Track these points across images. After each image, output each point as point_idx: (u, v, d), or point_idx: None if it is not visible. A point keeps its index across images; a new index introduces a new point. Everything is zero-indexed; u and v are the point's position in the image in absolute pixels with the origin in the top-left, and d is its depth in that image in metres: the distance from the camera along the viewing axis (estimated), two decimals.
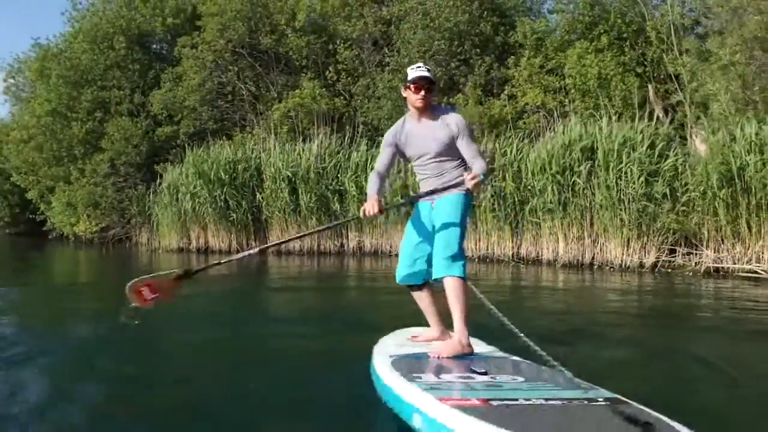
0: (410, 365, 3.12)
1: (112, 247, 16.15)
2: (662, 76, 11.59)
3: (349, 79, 14.31)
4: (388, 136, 3.79)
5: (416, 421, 2.45)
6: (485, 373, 2.95)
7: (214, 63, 15.51)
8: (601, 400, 2.51)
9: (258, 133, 14.38)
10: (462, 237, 3.64)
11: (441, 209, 3.70)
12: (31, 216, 20.48)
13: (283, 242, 3.77)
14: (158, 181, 15.06)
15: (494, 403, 2.44)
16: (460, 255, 3.55)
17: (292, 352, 4.23)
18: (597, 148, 9.02)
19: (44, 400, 3.31)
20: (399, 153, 3.78)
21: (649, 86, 11.72)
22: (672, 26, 11.16)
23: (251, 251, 3.61)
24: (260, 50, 15.55)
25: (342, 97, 14.39)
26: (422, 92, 3.61)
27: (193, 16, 16.81)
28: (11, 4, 41.17)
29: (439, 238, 3.61)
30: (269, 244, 3.46)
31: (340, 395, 3.28)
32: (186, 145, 14.80)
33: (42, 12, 39.42)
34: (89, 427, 2.97)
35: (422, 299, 3.81)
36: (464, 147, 3.62)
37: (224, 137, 14.71)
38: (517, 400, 2.50)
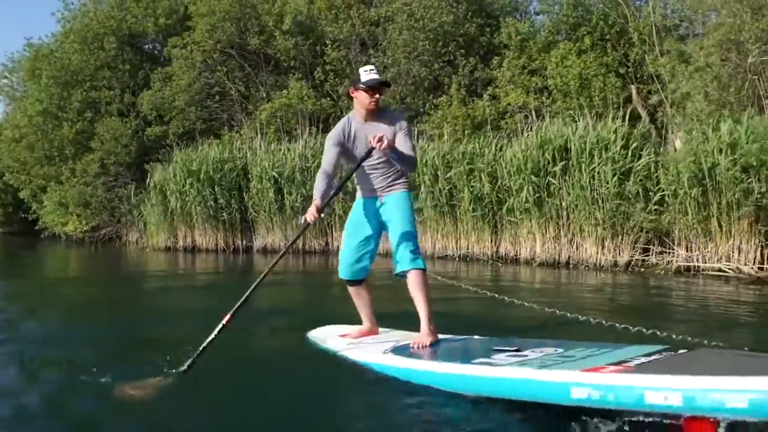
0: (444, 353, 3.38)
1: (102, 246, 16.27)
2: (645, 77, 11.70)
3: (336, 79, 14.41)
4: (334, 137, 3.80)
5: (579, 393, 2.46)
6: (519, 350, 3.17)
7: (204, 63, 15.63)
8: (670, 350, 2.81)
9: (245, 132, 14.49)
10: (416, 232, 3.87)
11: (393, 206, 3.85)
12: (23, 215, 20.60)
13: (248, 295, 3.75)
14: (148, 180, 15.17)
15: (630, 364, 2.57)
16: (419, 249, 3.78)
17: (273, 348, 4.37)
18: (570, 148, 9.11)
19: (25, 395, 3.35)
20: (344, 154, 3.82)
21: (632, 87, 11.84)
22: (654, 27, 11.28)
23: (223, 322, 3.53)
24: (249, 51, 15.67)
25: (329, 98, 14.49)
26: (376, 95, 3.71)
27: (185, 16, 16.90)
28: (6, 3, 41.31)
29: (400, 234, 3.76)
30: (237, 306, 3.41)
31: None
32: (175, 145, 14.93)
33: (38, 10, 39.59)
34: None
35: (361, 295, 3.95)
36: (401, 142, 3.73)
37: (212, 137, 14.82)
38: (628, 361, 2.64)
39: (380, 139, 3.47)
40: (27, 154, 18.07)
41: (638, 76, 11.81)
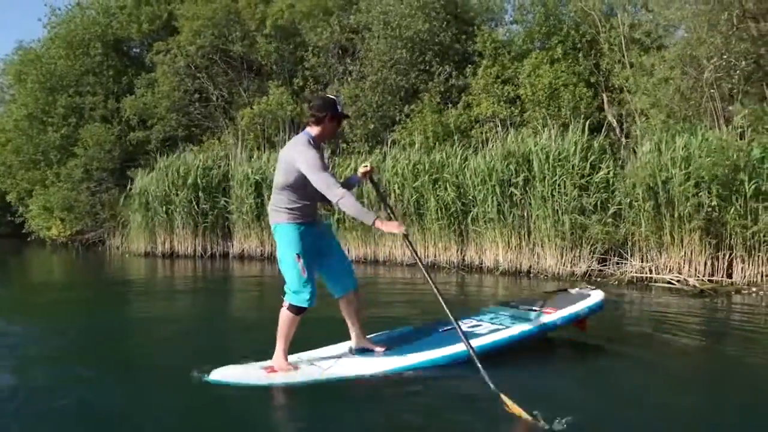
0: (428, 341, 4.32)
1: (86, 251, 16.44)
2: (616, 86, 11.86)
3: (315, 86, 14.57)
4: (317, 153, 3.81)
5: (585, 311, 4.56)
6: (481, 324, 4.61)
7: (187, 68, 15.78)
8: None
9: (225, 139, 14.65)
10: None
11: (330, 233, 4.26)
12: (11, 218, 20.73)
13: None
14: (129, 186, 15.30)
15: (547, 306, 4.66)
16: None
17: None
18: (533, 160, 9.27)
19: None
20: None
21: (604, 96, 12.01)
22: (623, 39, 11.45)
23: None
24: (232, 56, 15.84)
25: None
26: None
27: (169, 22, 17.06)
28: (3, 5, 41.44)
29: (343, 258, 4.18)
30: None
31: None
32: (157, 150, 15.11)
33: (30, 13, 39.68)
34: None
35: (296, 324, 3.94)
36: None
37: (191, 143, 14.99)
38: (545, 305, 4.71)
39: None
40: (13, 158, 18.23)
41: (609, 85, 11.98)
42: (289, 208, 3.87)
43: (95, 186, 16.45)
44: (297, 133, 12.78)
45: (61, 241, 17.40)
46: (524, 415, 3.11)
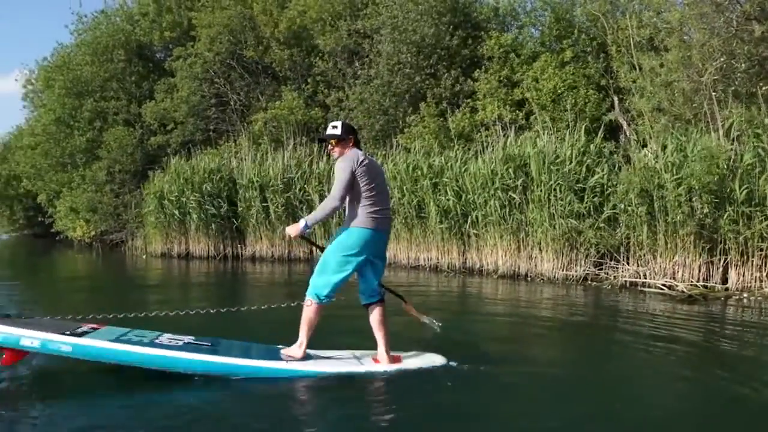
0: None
1: (108, 251, 16.98)
2: (625, 88, 11.77)
3: (326, 90, 14.78)
4: None
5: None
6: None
7: (206, 73, 16.17)
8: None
9: (240, 143, 14.97)
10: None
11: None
12: (42, 219, 21.53)
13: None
14: (146, 188, 15.75)
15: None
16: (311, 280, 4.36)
17: None
18: (530, 164, 9.30)
19: None
20: None
21: (615, 98, 11.92)
22: (631, 41, 11.35)
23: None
24: (249, 61, 16.17)
25: (320, 108, 14.84)
26: (328, 147, 4.29)
27: (189, 29, 17.52)
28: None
29: None
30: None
31: None
32: (177, 154, 15.54)
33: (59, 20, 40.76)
34: None
35: None
36: None
37: (208, 147, 15.36)
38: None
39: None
40: (42, 161, 18.94)
41: (620, 87, 11.88)
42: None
43: (118, 188, 16.99)
44: (308, 137, 12.73)
45: (86, 242, 18.00)
46: (423, 318, 4.54)
